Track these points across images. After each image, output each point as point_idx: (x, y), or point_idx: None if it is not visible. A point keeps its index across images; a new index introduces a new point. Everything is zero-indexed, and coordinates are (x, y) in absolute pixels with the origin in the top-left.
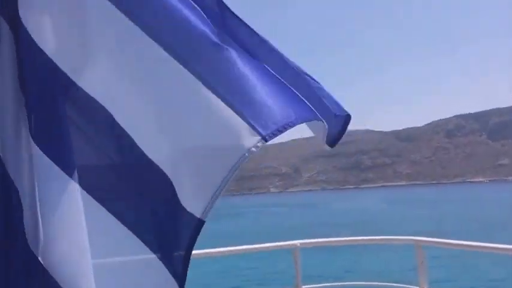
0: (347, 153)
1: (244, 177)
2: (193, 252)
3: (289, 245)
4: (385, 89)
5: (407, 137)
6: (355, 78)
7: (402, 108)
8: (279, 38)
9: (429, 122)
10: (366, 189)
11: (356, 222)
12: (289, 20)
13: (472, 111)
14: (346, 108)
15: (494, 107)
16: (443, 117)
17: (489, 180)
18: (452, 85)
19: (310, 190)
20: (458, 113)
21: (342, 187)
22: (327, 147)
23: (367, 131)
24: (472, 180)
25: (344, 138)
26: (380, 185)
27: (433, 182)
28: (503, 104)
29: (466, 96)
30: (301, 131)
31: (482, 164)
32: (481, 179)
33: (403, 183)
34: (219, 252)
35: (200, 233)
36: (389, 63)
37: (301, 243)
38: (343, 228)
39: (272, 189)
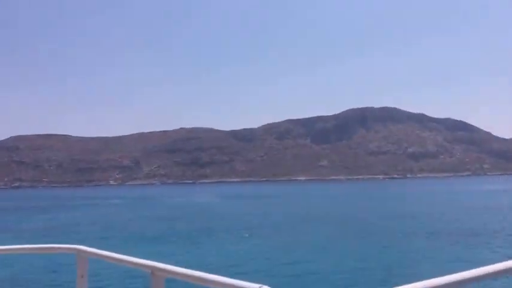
0: (187, 149)
1: (82, 169)
2: None
3: None
4: (214, 89)
5: (244, 137)
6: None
7: (240, 109)
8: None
9: (264, 124)
10: (204, 184)
11: (188, 216)
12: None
13: (301, 117)
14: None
15: (319, 114)
16: (276, 121)
17: (310, 179)
18: (288, 91)
19: (150, 184)
20: (289, 118)
21: (180, 181)
22: None
23: (208, 129)
24: (296, 178)
25: (185, 134)
26: (217, 180)
27: (264, 179)
28: (326, 112)
29: (298, 102)
30: (144, 125)
31: (306, 165)
32: (303, 178)
33: (238, 179)
34: None
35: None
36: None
37: None
38: (176, 221)
39: (112, 182)
